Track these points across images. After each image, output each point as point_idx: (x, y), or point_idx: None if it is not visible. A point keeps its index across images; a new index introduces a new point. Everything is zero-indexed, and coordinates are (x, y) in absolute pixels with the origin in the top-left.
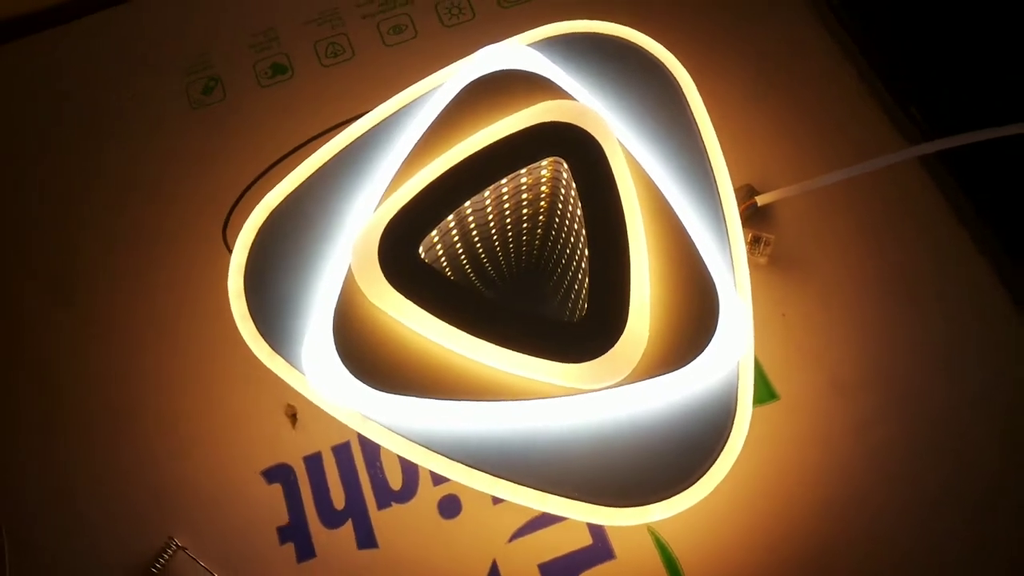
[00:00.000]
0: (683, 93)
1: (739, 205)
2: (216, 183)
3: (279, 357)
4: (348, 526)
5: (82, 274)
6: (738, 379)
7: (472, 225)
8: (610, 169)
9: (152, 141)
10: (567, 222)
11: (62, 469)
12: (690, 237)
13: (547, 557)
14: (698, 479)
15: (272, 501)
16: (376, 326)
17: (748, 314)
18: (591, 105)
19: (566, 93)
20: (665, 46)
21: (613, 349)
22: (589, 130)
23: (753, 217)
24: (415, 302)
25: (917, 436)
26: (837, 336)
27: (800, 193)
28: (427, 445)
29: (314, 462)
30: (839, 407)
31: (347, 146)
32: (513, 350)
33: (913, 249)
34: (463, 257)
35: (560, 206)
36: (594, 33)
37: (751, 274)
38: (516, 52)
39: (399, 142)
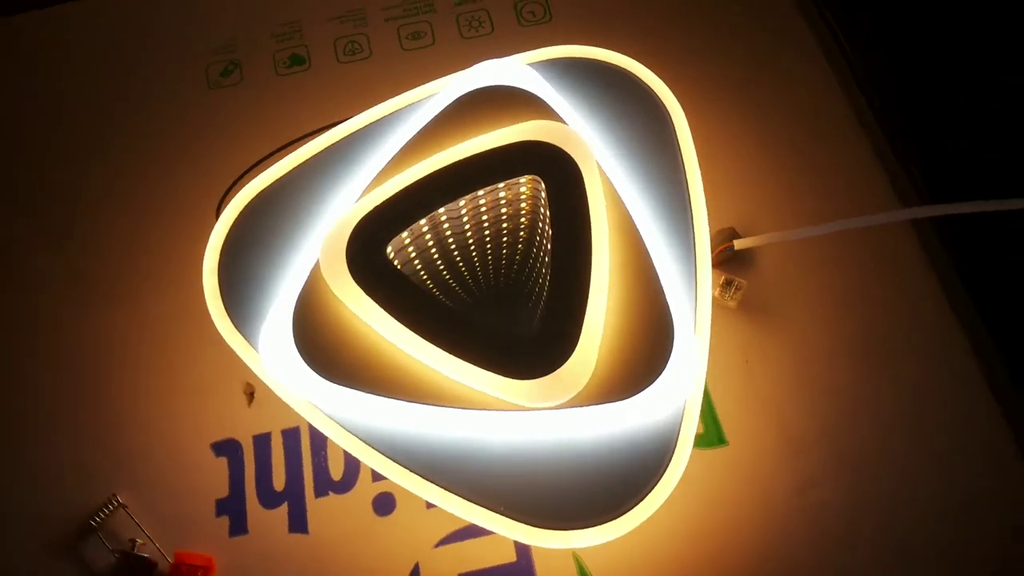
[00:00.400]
0: (674, 127)
1: (716, 247)
2: (219, 162)
3: (239, 335)
4: (283, 508)
5: (77, 228)
6: (682, 419)
7: (448, 233)
8: (585, 193)
9: (163, 114)
10: (544, 242)
11: (19, 412)
12: (655, 270)
13: (469, 568)
14: (626, 512)
15: (216, 474)
16: (335, 318)
17: (702, 354)
18: (579, 129)
19: (556, 114)
20: (666, 80)
21: (558, 371)
22: (571, 153)
23: (732, 261)
24: (374, 299)
25: (861, 504)
26: (798, 391)
27: (779, 242)
28: (366, 440)
29: (263, 442)
30: (788, 462)
31: (337, 142)
32: (460, 358)
33: (892, 314)
34: (439, 263)
35: (540, 225)
36: (594, 59)
37: (719, 317)
38: (514, 69)
39: (387, 143)
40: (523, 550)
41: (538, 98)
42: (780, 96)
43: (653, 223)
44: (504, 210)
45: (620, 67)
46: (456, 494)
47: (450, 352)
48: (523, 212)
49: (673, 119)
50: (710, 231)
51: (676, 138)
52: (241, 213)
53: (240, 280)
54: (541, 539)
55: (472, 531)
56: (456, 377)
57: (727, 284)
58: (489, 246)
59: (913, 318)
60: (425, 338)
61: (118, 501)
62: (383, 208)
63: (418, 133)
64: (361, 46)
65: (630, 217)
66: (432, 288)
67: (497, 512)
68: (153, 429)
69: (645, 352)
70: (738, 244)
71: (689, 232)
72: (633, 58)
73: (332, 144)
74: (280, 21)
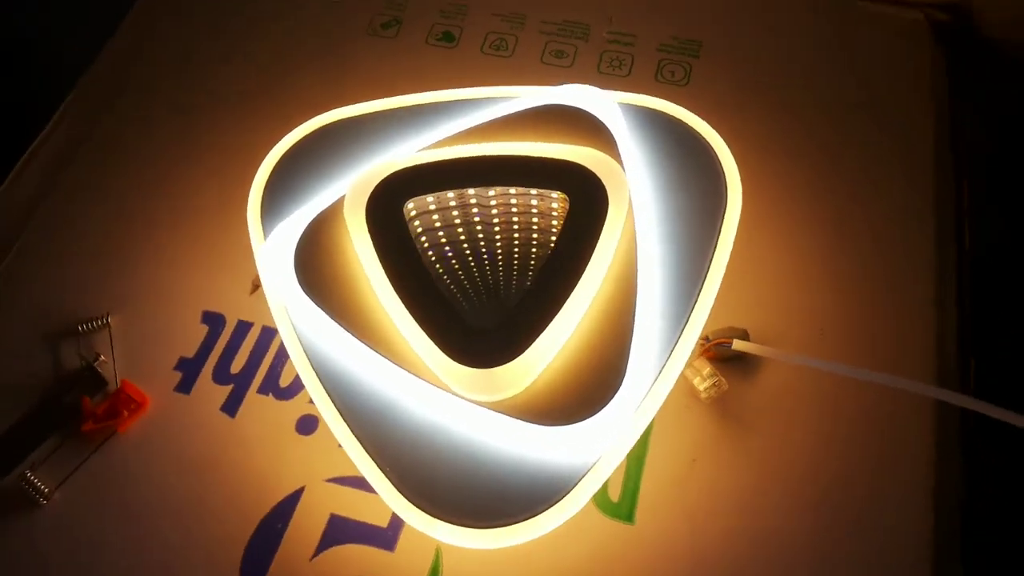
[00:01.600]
0: (725, 211)
1: (715, 338)
2: (334, 97)
3: (260, 228)
4: (227, 388)
5: (205, 101)
6: (587, 472)
7: (476, 218)
8: (602, 228)
9: (324, 44)
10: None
11: (69, 219)
12: (633, 329)
13: (342, 512)
14: (496, 526)
15: (194, 336)
16: (338, 246)
17: (638, 425)
18: (630, 172)
19: (616, 152)
20: (754, 163)
21: (493, 370)
22: (608, 188)
23: (732, 360)
24: (373, 239)
25: None
26: (730, 511)
27: (781, 360)
28: (311, 357)
29: (243, 328)
30: (685, 569)
31: (418, 105)
32: (416, 321)
33: (869, 492)
34: (464, 244)
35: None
36: (678, 119)
37: (689, 406)
38: (600, 101)
39: (458, 121)
40: (396, 523)
41: (608, 132)
42: (871, 228)
43: (658, 287)
44: (536, 220)
45: (699, 135)
46: (357, 438)
47: (411, 313)
48: (553, 229)
49: (728, 203)
50: (722, 325)
51: (722, 221)
52: (314, 132)
53: (287, 185)
54: (403, 510)
55: (362, 484)
56: (408, 339)
57: (708, 376)
58: (516, 250)
59: (892, 507)
60: (396, 290)
61: (107, 320)
62: (418, 168)
63: (487, 122)
64: (507, 45)
65: (636, 270)
66: (448, 259)
67: (382, 471)
68: (165, 277)
69: (584, 395)
70: (737, 344)
71: (686, 312)
72: (734, 135)
73: (413, 106)
74: (453, 0)
